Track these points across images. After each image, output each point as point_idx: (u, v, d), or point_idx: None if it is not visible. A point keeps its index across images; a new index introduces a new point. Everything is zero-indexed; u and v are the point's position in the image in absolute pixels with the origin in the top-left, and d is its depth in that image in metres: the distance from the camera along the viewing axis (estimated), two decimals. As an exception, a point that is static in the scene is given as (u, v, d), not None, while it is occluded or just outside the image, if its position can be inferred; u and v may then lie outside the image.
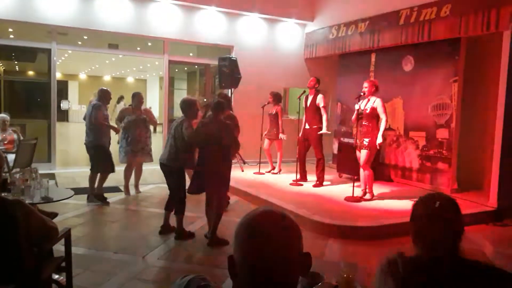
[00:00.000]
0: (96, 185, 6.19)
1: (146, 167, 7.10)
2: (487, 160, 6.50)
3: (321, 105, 7.10)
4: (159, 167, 5.00)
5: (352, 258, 4.43)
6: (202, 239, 4.77)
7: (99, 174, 6.18)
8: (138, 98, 6.57)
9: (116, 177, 6.64)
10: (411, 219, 1.68)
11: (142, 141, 6.51)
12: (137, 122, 6.43)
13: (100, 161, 6.13)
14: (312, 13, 9.93)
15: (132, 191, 6.77)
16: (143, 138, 6.52)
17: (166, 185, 5.07)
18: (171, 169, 4.86)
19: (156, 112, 17.37)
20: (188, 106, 4.83)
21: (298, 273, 1.06)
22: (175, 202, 4.88)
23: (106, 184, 6.33)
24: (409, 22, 7.17)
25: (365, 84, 6.06)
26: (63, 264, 3.11)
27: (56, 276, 3.30)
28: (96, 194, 6.16)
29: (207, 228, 4.85)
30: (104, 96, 6.22)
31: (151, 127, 6.86)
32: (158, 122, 8.08)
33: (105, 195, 6.26)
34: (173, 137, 4.81)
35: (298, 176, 7.33)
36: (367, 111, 5.95)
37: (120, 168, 6.56)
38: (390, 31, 7.60)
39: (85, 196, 6.20)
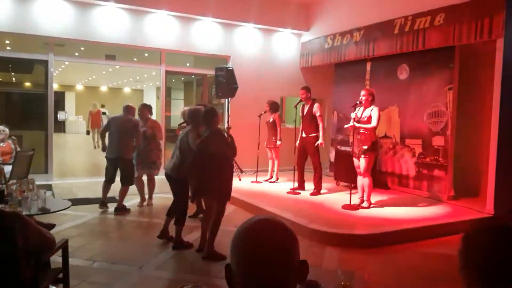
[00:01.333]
0: (120, 197, 6.31)
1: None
2: (484, 167, 6.53)
3: (317, 114, 7.13)
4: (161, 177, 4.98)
5: (350, 266, 4.42)
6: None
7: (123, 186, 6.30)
8: (138, 111, 6.59)
9: (113, 188, 6.61)
10: (465, 252, 1.17)
11: (142, 154, 6.46)
12: None
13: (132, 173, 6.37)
14: (307, 23, 10.01)
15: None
16: (144, 151, 6.46)
17: (167, 196, 5.06)
18: (176, 180, 4.86)
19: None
20: (194, 116, 4.81)
21: (295, 281, 1.06)
22: (176, 213, 4.87)
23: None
24: (404, 31, 7.25)
25: (363, 92, 6.09)
26: (60, 275, 3.10)
27: (53, 288, 3.29)
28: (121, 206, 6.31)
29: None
30: (131, 111, 6.38)
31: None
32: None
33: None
34: (178, 148, 4.82)
35: (296, 185, 7.34)
36: (365, 119, 5.98)
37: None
38: (385, 40, 7.68)
39: (82, 206, 6.20)
